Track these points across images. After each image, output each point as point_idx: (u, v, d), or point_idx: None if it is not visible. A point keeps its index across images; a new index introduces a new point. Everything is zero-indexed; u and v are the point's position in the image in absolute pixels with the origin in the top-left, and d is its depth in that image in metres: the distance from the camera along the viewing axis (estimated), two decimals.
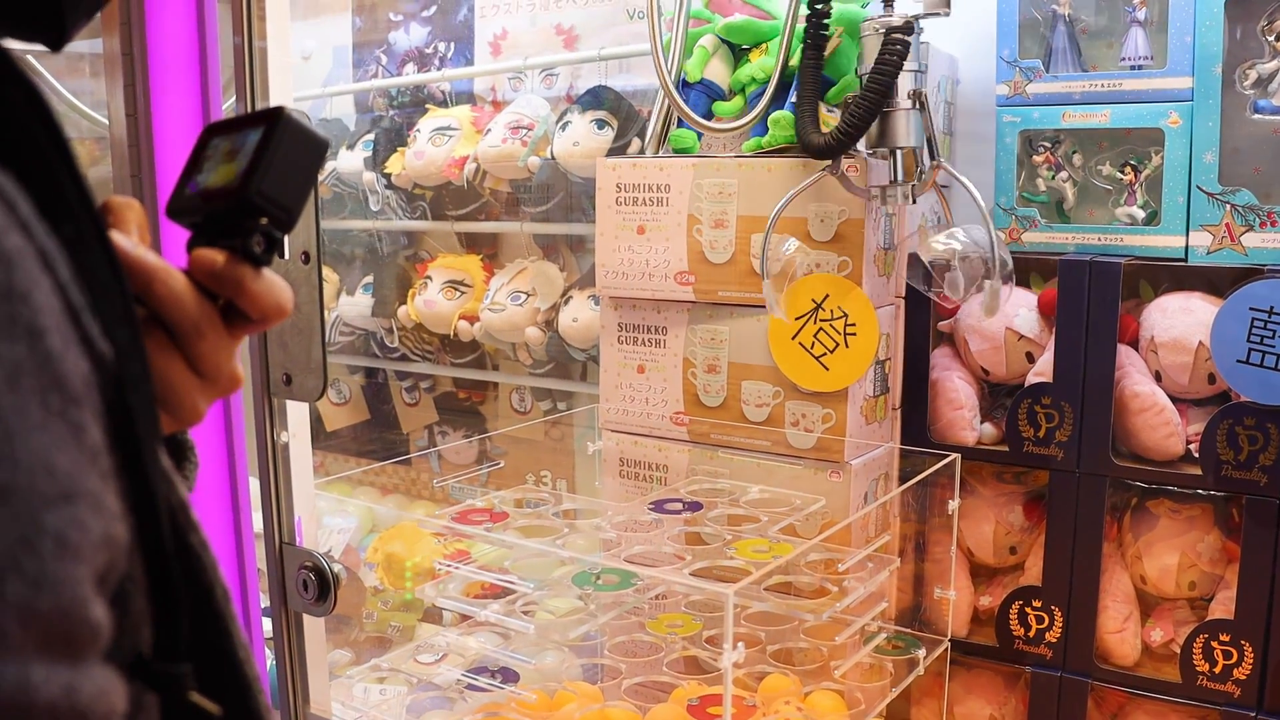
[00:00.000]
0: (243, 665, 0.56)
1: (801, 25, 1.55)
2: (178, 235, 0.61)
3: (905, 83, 1.46)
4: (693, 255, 1.64)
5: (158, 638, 0.48)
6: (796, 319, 1.57)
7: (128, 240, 0.57)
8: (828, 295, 1.55)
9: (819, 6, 1.51)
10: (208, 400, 0.61)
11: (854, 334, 1.54)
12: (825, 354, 1.56)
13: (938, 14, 1.49)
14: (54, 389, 0.40)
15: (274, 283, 0.61)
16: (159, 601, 0.47)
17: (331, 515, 2.48)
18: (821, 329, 1.55)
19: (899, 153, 1.49)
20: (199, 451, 1.31)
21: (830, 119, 1.56)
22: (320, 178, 2.34)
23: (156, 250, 0.60)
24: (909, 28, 1.44)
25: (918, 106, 1.48)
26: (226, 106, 1.54)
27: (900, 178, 1.49)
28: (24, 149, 0.45)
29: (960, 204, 1.88)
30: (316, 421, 2.73)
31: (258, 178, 0.58)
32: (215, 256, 0.59)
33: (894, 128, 1.48)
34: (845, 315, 1.54)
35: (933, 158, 1.51)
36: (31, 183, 0.45)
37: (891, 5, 1.46)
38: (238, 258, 0.59)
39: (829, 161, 1.51)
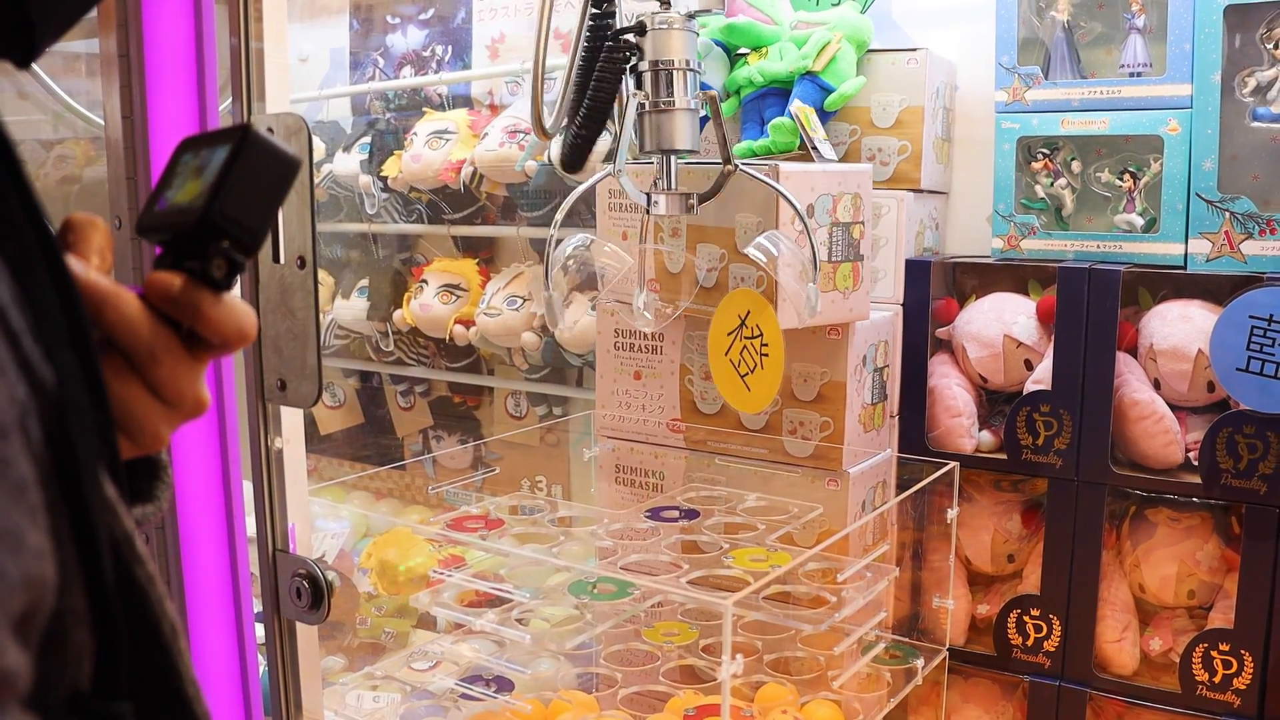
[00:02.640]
0: (191, 703, 0.53)
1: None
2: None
3: (686, 82, 1.37)
4: (658, 263, 1.63)
5: (98, 674, 0.46)
6: (728, 334, 1.51)
7: (78, 264, 0.55)
8: (749, 311, 1.50)
9: (602, 7, 1.39)
10: (170, 426, 0.59)
11: (767, 355, 1.49)
12: (748, 373, 1.51)
13: (709, 11, 1.44)
14: None
15: (234, 308, 0.58)
16: (100, 637, 0.46)
17: (325, 519, 2.47)
18: (745, 346, 1.51)
19: (671, 157, 1.39)
20: (191, 452, 1.30)
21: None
22: (316, 180, 2.33)
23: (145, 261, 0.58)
24: (641, 26, 1.36)
25: (699, 108, 1.38)
26: (223, 108, 1.53)
27: (673, 184, 1.40)
28: None
29: (961, 208, 1.87)
30: (310, 425, 2.72)
31: (220, 198, 0.55)
32: (172, 281, 0.56)
33: (667, 130, 1.37)
34: (761, 335, 1.48)
35: (726, 161, 1.41)
36: None
37: (669, 4, 1.37)
38: (196, 282, 0.57)
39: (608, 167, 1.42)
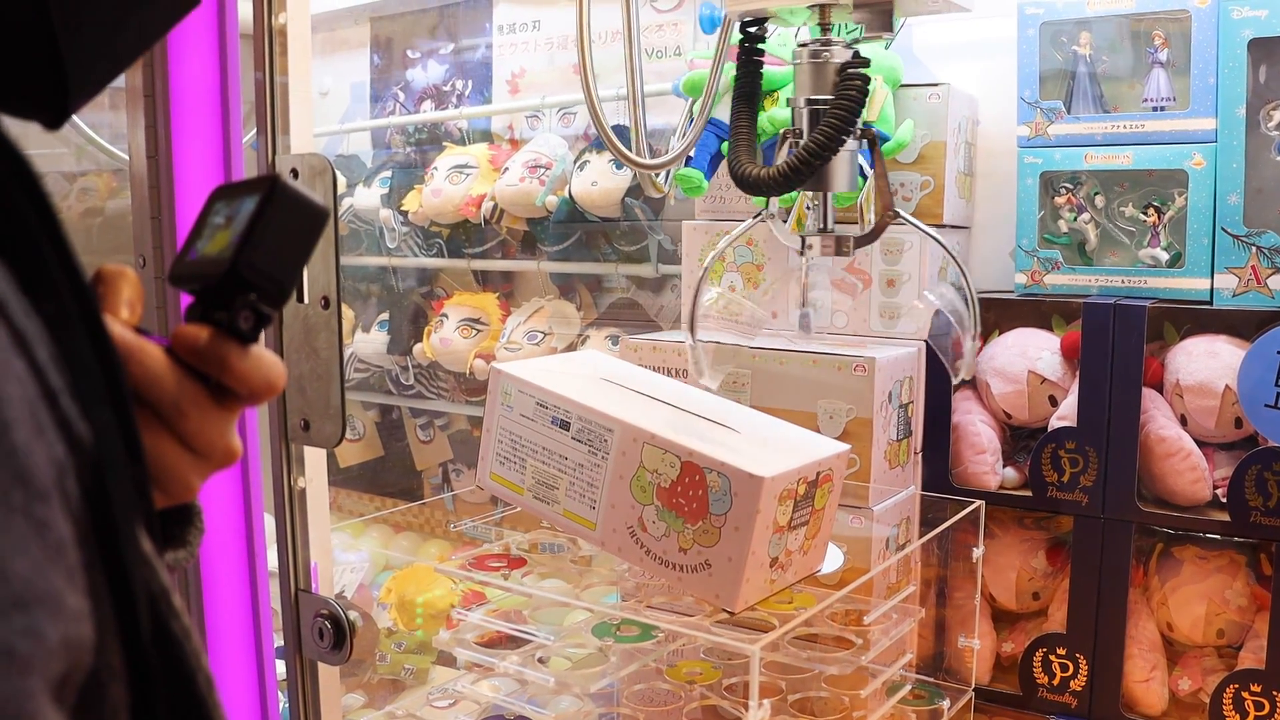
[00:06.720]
0: None
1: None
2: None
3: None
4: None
5: None
6: None
7: (106, 318, 0.56)
8: None
9: (750, 30, 1.34)
10: (201, 476, 0.59)
11: None
12: None
13: (880, 37, 1.38)
14: (17, 485, 0.38)
15: (262, 360, 0.58)
16: (136, 692, 0.46)
17: (344, 551, 2.47)
18: None
19: (829, 197, 1.32)
20: (213, 488, 1.30)
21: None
22: (339, 213, 2.33)
23: (175, 306, 0.59)
24: (866, 61, 1.27)
25: (864, 147, 1.31)
26: (246, 140, 1.54)
27: (830, 225, 1.33)
28: (6, 223, 0.44)
29: (983, 243, 1.87)
30: (329, 457, 2.72)
31: (247, 251, 0.55)
32: (198, 334, 0.57)
33: (832, 169, 1.29)
34: None
35: (889, 207, 1.34)
36: (13, 258, 0.43)
37: (829, 29, 1.29)
38: (222, 334, 0.57)
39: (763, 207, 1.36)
